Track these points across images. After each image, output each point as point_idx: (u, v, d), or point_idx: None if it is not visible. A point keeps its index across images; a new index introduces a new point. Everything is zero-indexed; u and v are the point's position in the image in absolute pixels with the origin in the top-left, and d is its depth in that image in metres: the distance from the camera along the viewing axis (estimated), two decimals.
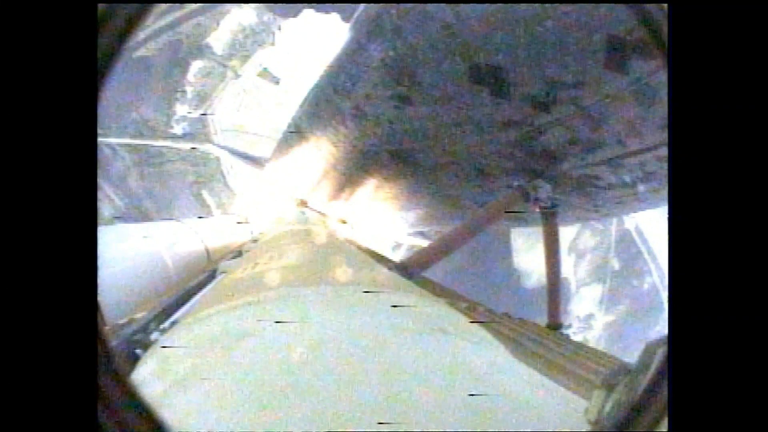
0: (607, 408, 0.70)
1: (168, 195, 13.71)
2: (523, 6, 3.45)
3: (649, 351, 0.68)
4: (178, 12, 12.66)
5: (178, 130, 13.49)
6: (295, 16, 13.08)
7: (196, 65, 13.25)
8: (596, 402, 0.72)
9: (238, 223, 8.83)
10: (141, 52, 12.51)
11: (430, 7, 3.99)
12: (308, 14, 13.07)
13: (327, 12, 12.96)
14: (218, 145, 13.99)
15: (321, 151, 7.90)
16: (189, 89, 13.32)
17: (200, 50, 13.13)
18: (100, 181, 12.89)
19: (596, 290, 17.78)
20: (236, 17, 13.09)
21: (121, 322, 2.49)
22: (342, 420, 0.75)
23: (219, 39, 13.17)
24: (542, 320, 5.01)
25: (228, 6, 13.01)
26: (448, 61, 4.20)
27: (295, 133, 8.72)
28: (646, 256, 16.89)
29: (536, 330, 3.50)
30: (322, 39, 12.07)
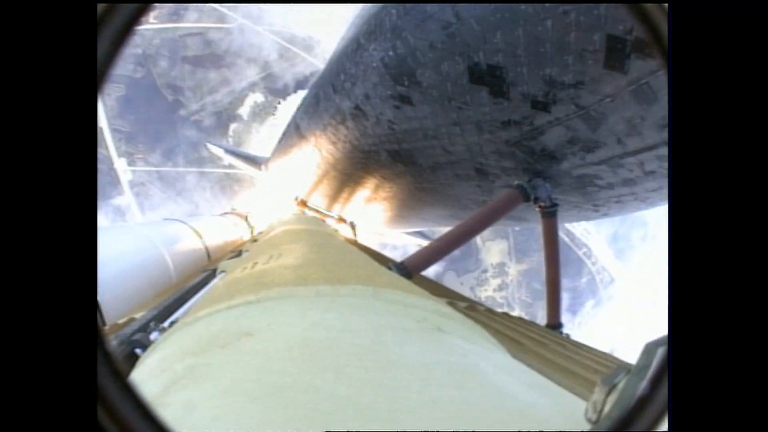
0: (607, 408, 0.70)
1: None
2: (523, 6, 3.45)
3: (648, 351, 0.68)
4: (215, 95, 23.39)
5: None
6: (284, 98, 23.62)
7: (233, 126, 23.89)
8: (596, 402, 0.72)
9: (238, 222, 8.83)
10: (197, 117, 23.27)
11: (430, 7, 3.98)
12: (300, 93, 20.99)
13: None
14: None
15: (321, 151, 7.89)
16: (230, 139, 23.72)
17: (234, 118, 23.82)
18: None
19: (502, 245, 23.08)
20: (252, 98, 23.85)
21: (121, 322, 2.49)
22: (341, 419, 0.75)
23: (244, 111, 23.86)
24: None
25: (246, 92, 23.69)
26: (448, 61, 4.20)
27: (295, 133, 8.72)
28: None
29: (536, 330, 3.50)
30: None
